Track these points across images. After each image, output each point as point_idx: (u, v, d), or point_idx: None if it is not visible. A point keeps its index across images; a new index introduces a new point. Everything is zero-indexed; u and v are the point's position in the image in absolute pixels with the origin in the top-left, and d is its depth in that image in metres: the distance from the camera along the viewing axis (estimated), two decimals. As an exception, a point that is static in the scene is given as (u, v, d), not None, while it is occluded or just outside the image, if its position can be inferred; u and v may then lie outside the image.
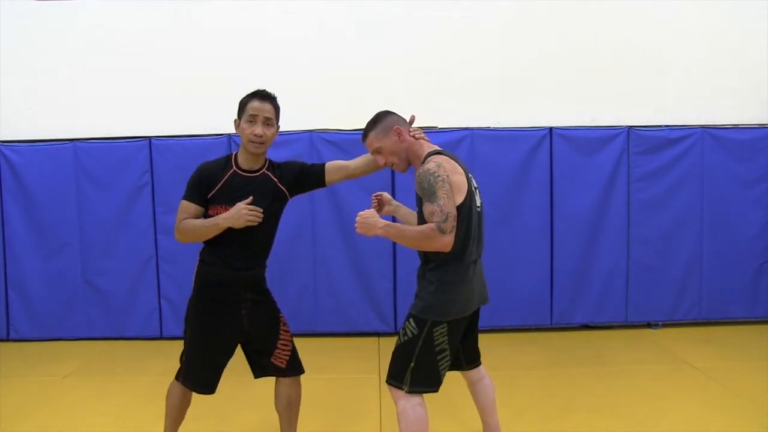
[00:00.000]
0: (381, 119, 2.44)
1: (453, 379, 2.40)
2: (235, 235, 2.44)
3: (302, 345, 4.84)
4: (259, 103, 2.44)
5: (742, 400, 3.48)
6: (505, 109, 4.98)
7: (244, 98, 2.49)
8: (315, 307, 4.88)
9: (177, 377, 2.64)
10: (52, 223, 4.90)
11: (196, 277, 2.56)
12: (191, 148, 4.87)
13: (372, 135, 2.44)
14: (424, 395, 2.34)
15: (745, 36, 5.05)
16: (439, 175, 2.18)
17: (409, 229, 2.24)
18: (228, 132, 4.86)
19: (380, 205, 2.70)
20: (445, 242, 2.16)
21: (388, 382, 2.36)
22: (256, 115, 2.43)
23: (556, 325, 5.01)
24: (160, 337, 4.95)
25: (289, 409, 2.68)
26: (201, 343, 2.54)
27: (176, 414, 2.66)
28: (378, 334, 4.95)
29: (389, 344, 4.73)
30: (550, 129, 4.88)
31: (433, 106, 4.94)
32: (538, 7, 5.00)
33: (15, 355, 4.65)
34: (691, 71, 5.06)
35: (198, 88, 4.93)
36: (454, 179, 2.22)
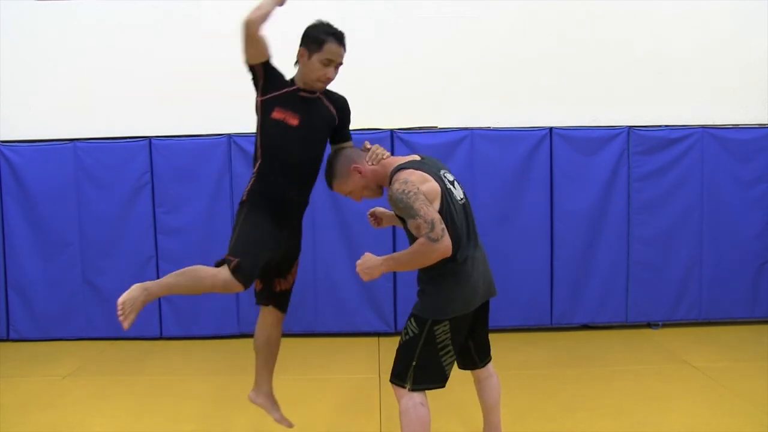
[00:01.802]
0: (334, 166, 2.43)
1: (454, 377, 2.40)
2: (293, 164, 2.47)
3: (302, 345, 4.85)
4: (337, 47, 2.42)
5: (742, 400, 3.48)
6: (505, 109, 4.97)
7: (318, 32, 2.44)
8: (315, 307, 4.88)
9: (231, 271, 2.49)
10: (52, 224, 4.90)
11: (252, 189, 2.53)
12: (191, 148, 4.88)
13: (335, 184, 2.45)
14: (428, 394, 2.33)
15: (745, 36, 5.04)
16: (409, 191, 2.16)
17: (405, 254, 2.22)
18: (228, 132, 4.86)
19: (377, 221, 2.72)
20: (442, 249, 2.14)
21: (391, 381, 2.36)
22: (333, 60, 2.42)
23: (556, 325, 5.00)
24: (160, 337, 4.96)
25: (267, 347, 2.80)
26: (257, 232, 2.49)
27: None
28: (378, 334, 4.95)
29: (389, 344, 4.75)
30: (550, 129, 4.88)
31: (433, 106, 4.94)
32: (538, 8, 5.00)
33: (15, 355, 4.66)
34: (691, 71, 5.05)
35: (198, 88, 4.92)
36: (424, 189, 2.20)
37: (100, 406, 3.64)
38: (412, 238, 2.24)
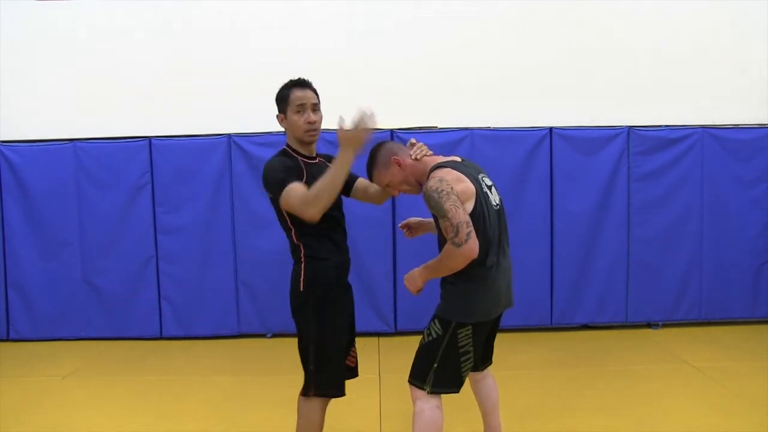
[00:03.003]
0: (376, 155, 2.44)
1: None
2: (333, 216, 2.38)
3: (302, 345, 4.75)
4: (302, 91, 2.39)
5: (742, 400, 3.48)
6: (505, 109, 4.97)
7: (282, 90, 2.40)
8: (315, 307, 4.87)
9: (306, 393, 2.41)
10: (52, 223, 4.91)
11: (306, 280, 2.39)
12: (191, 148, 4.88)
13: (375, 174, 2.45)
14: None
15: (745, 36, 5.05)
16: (442, 190, 2.16)
17: (435, 260, 2.26)
18: (228, 132, 4.87)
19: (411, 231, 2.74)
20: (466, 253, 2.14)
21: (410, 381, 2.35)
22: (304, 104, 2.37)
23: (556, 325, 5.00)
24: (160, 337, 4.96)
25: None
26: (333, 345, 2.40)
27: None
28: (378, 334, 4.95)
29: (389, 344, 4.75)
30: (550, 129, 4.88)
31: (433, 106, 4.95)
32: (538, 8, 5.00)
33: (15, 355, 4.66)
34: (691, 71, 5.05)
35: (198, 88, 4.92)
36: (458, 188, 2.20)
37: (100, 406, 3.64)
38: (442, 239, 2.26)
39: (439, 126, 4.91)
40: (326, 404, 2.46)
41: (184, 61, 4.98)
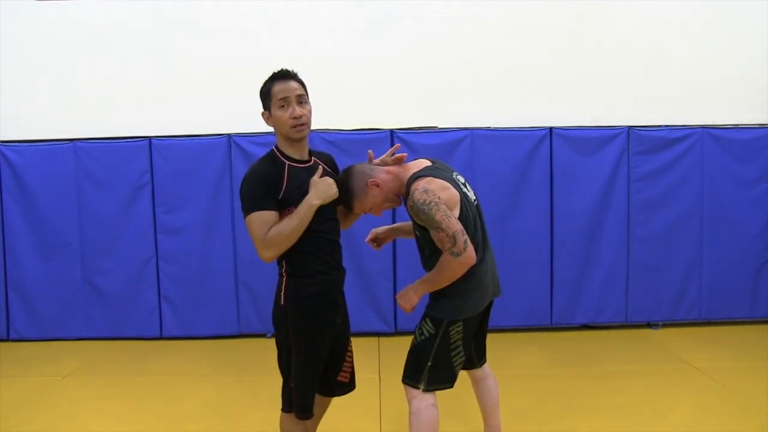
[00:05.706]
0: (350, 185, 2.30)
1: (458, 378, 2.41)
2: (321, 231, 2.24)
3: (302, 345, 4.73)
4: (284, 83, 2.21)
5: (742, 400, 3.48)
6: (505, 109, 4.97)
7: (264, 86, 2.25)
8: (315, 307, 4.87)
9: (287, 409, 2.34)
10: (52, 224, 4.90)
11: (286, 295, 2.26)
12: (191, 148, 4.88)
13: (357, 204, 2.34)
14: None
15: (745, 36, 5.04)
16: (430, 201, 2.12)
17: (433, 273, 2.23)
18: (228, 132, 4.87)
19: (378, 243, 2.69)
20: (467, 262, 2.14)
21: (404, 381, 2.36)
22: (288, 97, 2.19)
23: (556, 325, 5.00)
24: (160, 337, 4.95)
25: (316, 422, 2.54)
26: (311, 365, 2.29)
27: None
28: (378, 334, 4.95)
29: (389, 344, 4.75)
30: (550, 129, 4.88)
31: (433, 106, 4.95)
32: (538, 8, 4.99)
33: (15, 355, 4.66)
34: (691, 71, 5.05)
35: (198, 88, 4.92)
36: (444, 196, 2.17)
37: (100, 406, 3.64)
38: (429, 247, 2.25)
39: (439, 126, 4.91)
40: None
41: (183, 61, 4.98)
